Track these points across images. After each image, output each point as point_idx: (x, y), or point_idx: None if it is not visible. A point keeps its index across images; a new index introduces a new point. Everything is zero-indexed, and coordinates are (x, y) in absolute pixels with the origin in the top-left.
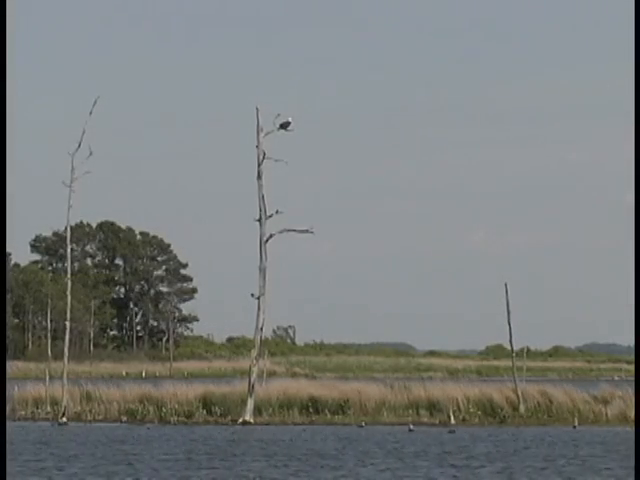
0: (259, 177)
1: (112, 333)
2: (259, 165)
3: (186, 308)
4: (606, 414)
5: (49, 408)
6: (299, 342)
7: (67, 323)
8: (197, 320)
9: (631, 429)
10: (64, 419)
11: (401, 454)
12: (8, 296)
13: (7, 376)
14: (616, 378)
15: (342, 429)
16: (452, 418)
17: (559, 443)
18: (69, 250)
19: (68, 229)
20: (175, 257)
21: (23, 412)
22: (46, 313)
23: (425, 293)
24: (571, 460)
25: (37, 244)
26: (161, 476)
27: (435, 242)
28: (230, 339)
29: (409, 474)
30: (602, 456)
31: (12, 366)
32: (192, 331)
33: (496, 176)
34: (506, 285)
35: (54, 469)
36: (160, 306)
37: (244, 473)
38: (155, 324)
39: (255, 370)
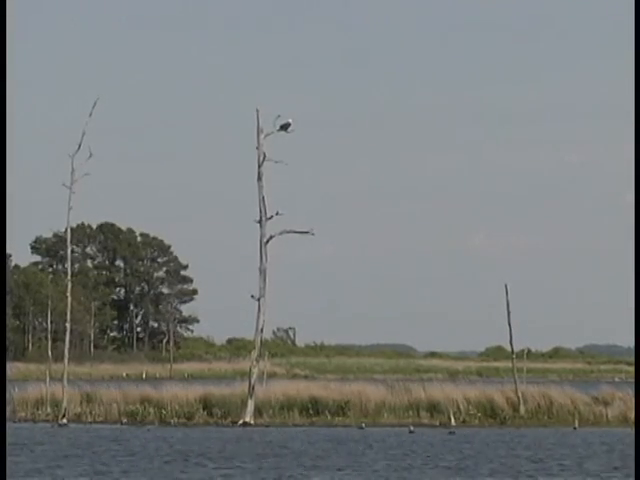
0: (259, 178)
1: (112, 334)
2: (259, 166)
3: (186, 309)
4: (606, 415)
5: (49, 409)
6: (299, 343)
7: (67, 324)
8: (197, 321)
9: (630, 430)
10: (64, 420)
11: (361, 455)
12: (8, 297)
13: (7, 377)
14: (616, 379)
15: (341, 430)
16: (452, 419)
17: (536, 444)
18: (69, 251)
19: (68, 230)
20: (175, 258)
21: (23, 414)
22: (46, 314)
23: (425, 294)
24: (534, 460)
25: (37, 245)
26: (95, 476)
27: (436, 243)
28: (230, 340)
29: (364, 473)
30: (568, 456)
31: (12, 367)
32: (192, 332)
33: (496, 177)
34: (506, 286)
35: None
36: (160, 307)
37: (192, 474)
38: (155, 325)
39: (255, 371)
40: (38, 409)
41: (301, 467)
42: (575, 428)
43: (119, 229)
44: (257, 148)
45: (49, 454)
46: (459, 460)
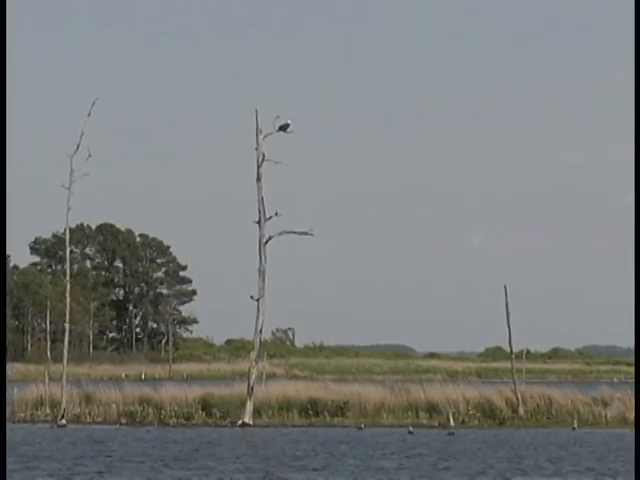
0: (258, 179)
1: (111, 335)
2: (258, 167)
3: (185, 310)
4: (605, 416)
5: (48, 410)
6: (298, 344)
7: (66, 325)
8: (196, 322)
9: (629, 431)
10: (63, 421)
11: (342, 456)
12: (7, 298)
13: (7, 378)
14: (615, 380)
15: (338, 431)
16: (452, 420)
17: (525, 444)
18: (68, 252)
19: (67, 231)
20: (174, 259)
21: (23, 414)
22: (45, 315)
23: (425, 295)
24: (513, 461)
25: (36, 246)
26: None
27: (435, 244)
28: (229, 341)
29: (340, 473)
30: (549, 457)
31: (11, 368)
32: (191, 333)
33: (496, 178)
34: (505, 287)
35: None
36: (159, 308)
37: (166, 475)
38: (154, 326)
39: (254, 372)
40: (37, 410)
41: (277, 468)
42: (574, 429)
43: (118, 230)
44: (256, 149)
45: (29, 454)
46: (439, 460)
